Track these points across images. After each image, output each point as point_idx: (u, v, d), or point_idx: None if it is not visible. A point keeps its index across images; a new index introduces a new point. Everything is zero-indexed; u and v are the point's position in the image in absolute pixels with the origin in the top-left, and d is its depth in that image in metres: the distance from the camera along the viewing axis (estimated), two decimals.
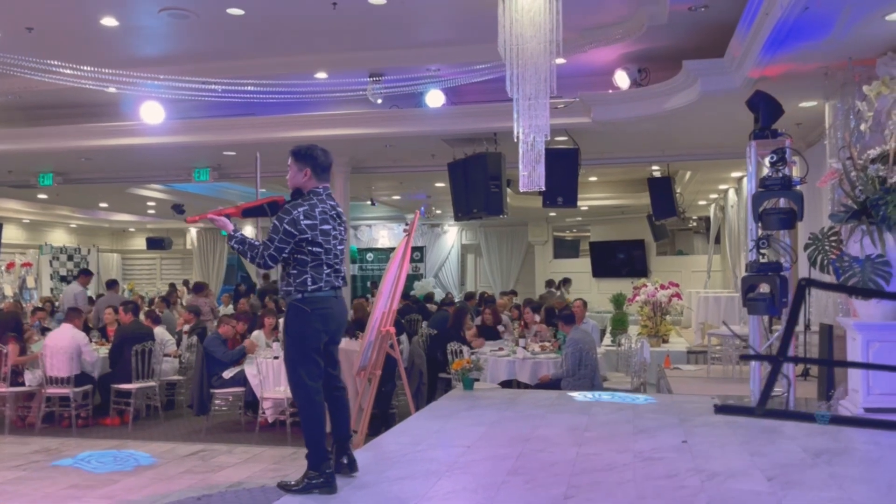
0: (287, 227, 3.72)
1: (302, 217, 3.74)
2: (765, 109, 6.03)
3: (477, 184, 9.49)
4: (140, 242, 22.72)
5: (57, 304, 13.57)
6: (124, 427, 8.02)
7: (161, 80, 8.36)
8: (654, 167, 12.48)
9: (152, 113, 9.32)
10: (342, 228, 3.94)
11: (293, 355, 3.82)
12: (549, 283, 17.75)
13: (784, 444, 4.58)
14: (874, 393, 5.03)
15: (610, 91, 8.62)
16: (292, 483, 3.81)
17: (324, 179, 3.92)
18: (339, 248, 3.91)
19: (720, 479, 3.89)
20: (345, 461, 3.95)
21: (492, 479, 3.99)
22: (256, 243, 3.79)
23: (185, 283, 17.30)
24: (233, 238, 3.83)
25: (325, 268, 3.80)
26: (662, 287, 10.69)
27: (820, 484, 3.79)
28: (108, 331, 9.68)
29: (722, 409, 1.53)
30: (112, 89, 8.75)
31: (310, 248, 3.77)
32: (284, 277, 3.85)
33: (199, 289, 12.28)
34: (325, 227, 3.80)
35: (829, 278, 5.60)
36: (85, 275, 12.32)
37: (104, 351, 8.82)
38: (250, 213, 4.01)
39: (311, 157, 3.88)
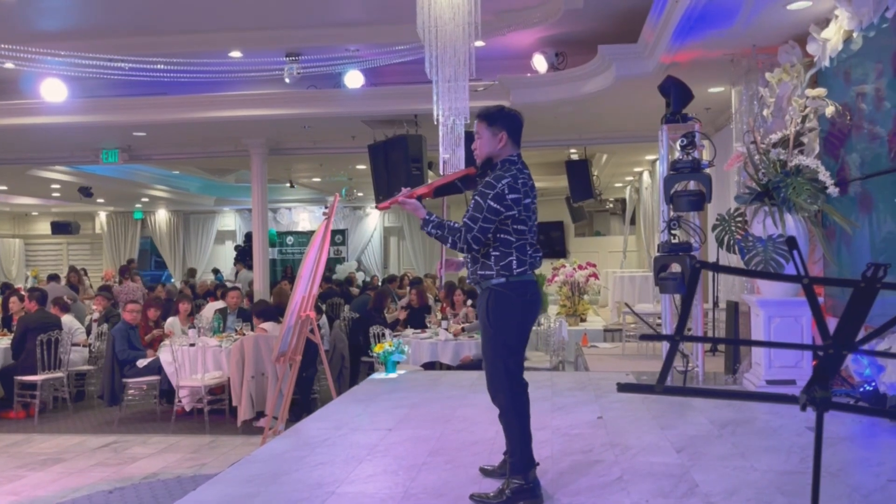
0: (492, 203, 3.21)
1: (507, 191, 3.23)
2: (676, 94, 6.23)
3: (398, 166, 9.45)
4: (44, 227, 21.60)
5: None
6: (30, 420, 7.67)
7: (63, 57, 7.94)
8: (572, 150, 12.72)
9: (53, 91, 8.85)
10: (536, 201, 3.43)
11: (498, 346, 3.40)
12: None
13: (693, 417, 4.79)
14: (775, 366, 5.31)
15: (528, 74, 8.71)
16: (490, 494, 3.30)
17: (518, 145, 3.45)
18: (536, 223, 3.43)
19: (633, 453, 4.03)
20: None
21: (413, 460, 4.01)
22: (456, 226, 3.27)
23: (73, 269, 16.00)
24: (429, 223, 3.32)
25: (528, 248, 3.32)
26: (580, 267, 10.96)
27: (725, 454, 3.98)
28: (12, 320, 9.19)
29: (624, 388, 1.57)
30: (9, 65, 8.26)
31: (515, 225, 3.28)
32: (479, 260, 3.34)
33: (125, 272, 11.59)
34: (527, 200, 3.30)
35: (736, 258, 5.86)
36: None
37: (6, 342, 8.38)
38: (442, 191, 3.62)
39: (507, 119, 3.40)
